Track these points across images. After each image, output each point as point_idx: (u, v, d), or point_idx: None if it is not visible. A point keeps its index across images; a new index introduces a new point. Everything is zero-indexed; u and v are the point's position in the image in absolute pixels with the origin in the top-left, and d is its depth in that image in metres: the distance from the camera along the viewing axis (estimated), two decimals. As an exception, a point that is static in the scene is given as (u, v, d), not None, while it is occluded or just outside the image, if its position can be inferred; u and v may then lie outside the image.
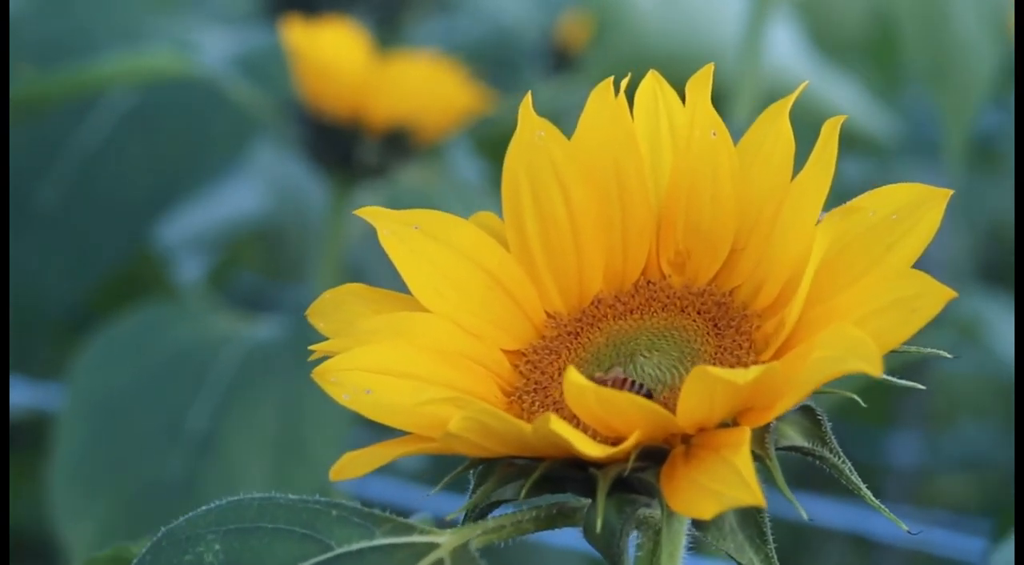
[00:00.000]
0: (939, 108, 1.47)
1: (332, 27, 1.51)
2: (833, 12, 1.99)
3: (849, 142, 1.76)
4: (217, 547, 0.59)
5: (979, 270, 2.18)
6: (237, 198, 1.93)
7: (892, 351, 0.57)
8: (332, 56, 1.46)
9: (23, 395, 1.62)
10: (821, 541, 1.98)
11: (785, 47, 1.64)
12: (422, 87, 1.46)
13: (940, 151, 1.54)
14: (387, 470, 1.65)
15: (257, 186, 1.92)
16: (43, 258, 1.63)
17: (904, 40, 1.49)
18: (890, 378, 0.61)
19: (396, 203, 1.55)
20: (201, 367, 1.38)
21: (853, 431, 2.06)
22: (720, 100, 1.44)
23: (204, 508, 0.60)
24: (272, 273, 2.07)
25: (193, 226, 1.90)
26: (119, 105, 1.68)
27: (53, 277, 1.63)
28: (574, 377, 0.54)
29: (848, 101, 1.69)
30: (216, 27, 1.83)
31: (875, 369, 0.53)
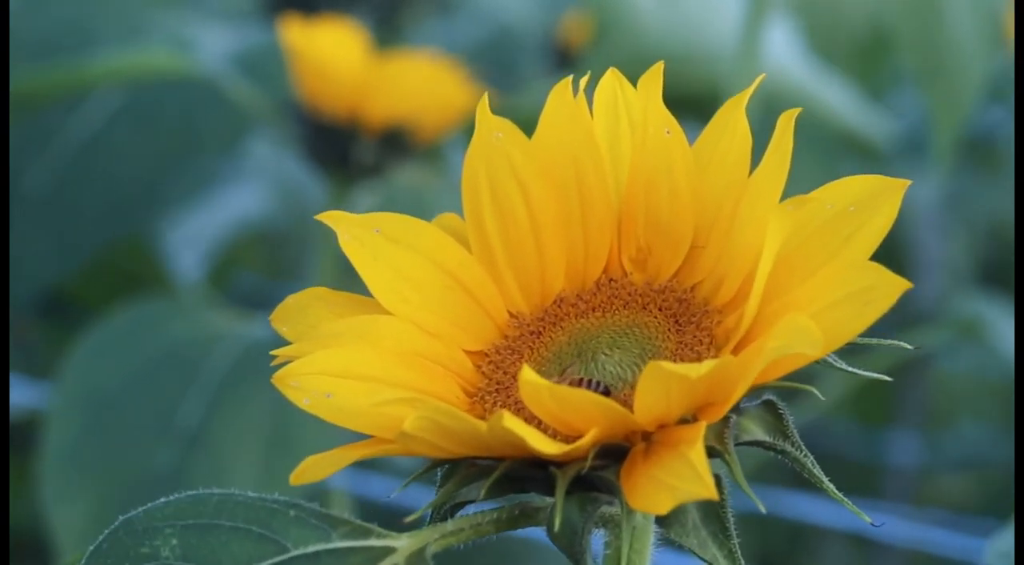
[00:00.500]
0: (930, 107, 1.47)
1: (330, 26, 1.51)
2: (833, 17, 1.99)
3: (846, 144, 1.76)
4: (174, 542, 0.59)
5: (979, 270, 2.18)
6: (237, 199, 1.93)
7: (853, 343, 0.58)
8: (330, 55, 1.46)
9: (21, 395, 1.62)
10: (819, 541, 1.98)
11: (781, 49, 1.64)
12: (420, 87, 1.46)
13: (935, 152, 1.54)
14: (387, 469, 1.65)
15: (257, 186, 1.92)
16: (29, 244, 1.63)
17: (897, 40, 1.49)
18: (857, 371, 0.61)
19: (393, 202, 1.55)
20: (194, 363, 1.39)
21: (853, 431, 2.06)
22: (718, 100, 1.44)
23: (163, 500, 0.60)
24: (272, 272, 2.07)
25: (194, 226, 1.90)
26: (113, 98, 1.68)
27: (37, 262, 1.63)
28: (528, 376, 0.54)
29: (842, 103, 1.68)
30: (215, 24, 1.83)
31: (816, 352, 0.54)
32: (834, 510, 1.55)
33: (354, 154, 1.48)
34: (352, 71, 1.46)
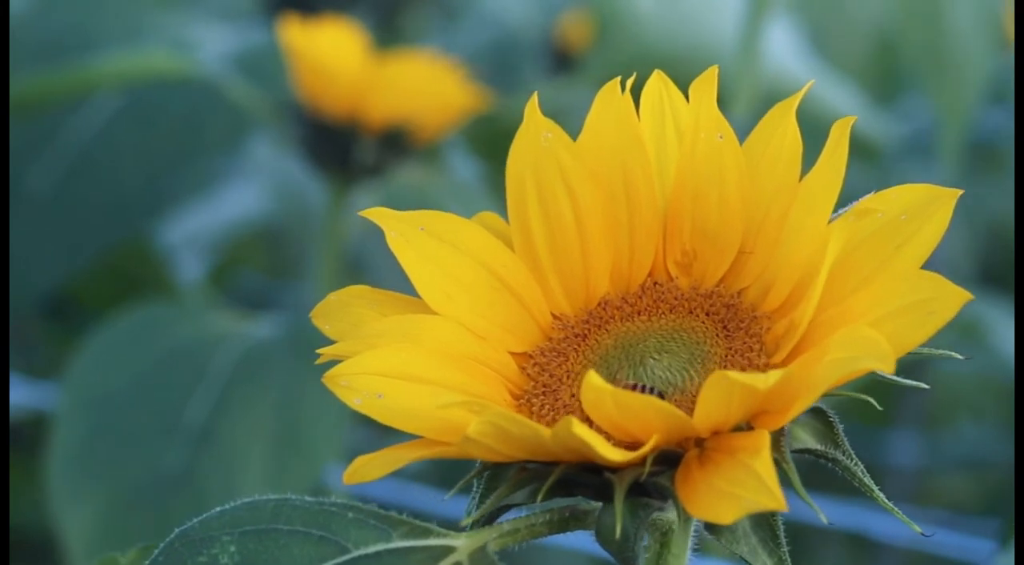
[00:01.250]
0: (936, 108, 1.47)
1: (330, 26, 1.51)
2: (842, 22, 2.00)
3: (850, 143, 1.76)
4: (232, 549, 0.58)
5: (980, 271, 2.18)
6: (238, 199, 1.93)
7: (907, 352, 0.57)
8: (329, 55, 1.46)
9: (22, 395, 1.62)
10: (820, 541, 1.98)
11: (784, 48, 1.64)
12: (420, 86, 1.46)
13: (940, 152, 1.54)
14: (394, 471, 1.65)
15: (257, 187, 1.92)
16: (32, 246, 1.63)
17: (902, 41, 1.49)
18: (898, 378, 0.61)
19: (393, 202, 1.55)
20: (199, 364, 1.38)
21: (853, 431, 2.05)
22: (719, 101, 1.44)
23: (218, 509, 0.59)
24: (273, 272, 2.07)
25: (195, 227, 1.90)
26: (113, 100, 1.68)
27: (36, 264, 1.63)
28: (594, 380, 0.54)
29: (846, 102, 1.68)
30: (215, 25, 1.83)
31: (889, 368, 0.53)
32: (835, 510, 1.55)
33: (354, 154, 1.48)
34: (352, 71, 1.46)
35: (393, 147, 1.49)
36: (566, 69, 2.07)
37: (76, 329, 1.70)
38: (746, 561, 0.58)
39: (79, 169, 1.66)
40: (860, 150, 1.78)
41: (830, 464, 0.60)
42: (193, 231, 1.91)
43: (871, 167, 1.92)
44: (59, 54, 1.68)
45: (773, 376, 0.53)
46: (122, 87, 1.67)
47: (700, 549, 0.61)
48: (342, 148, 1.48)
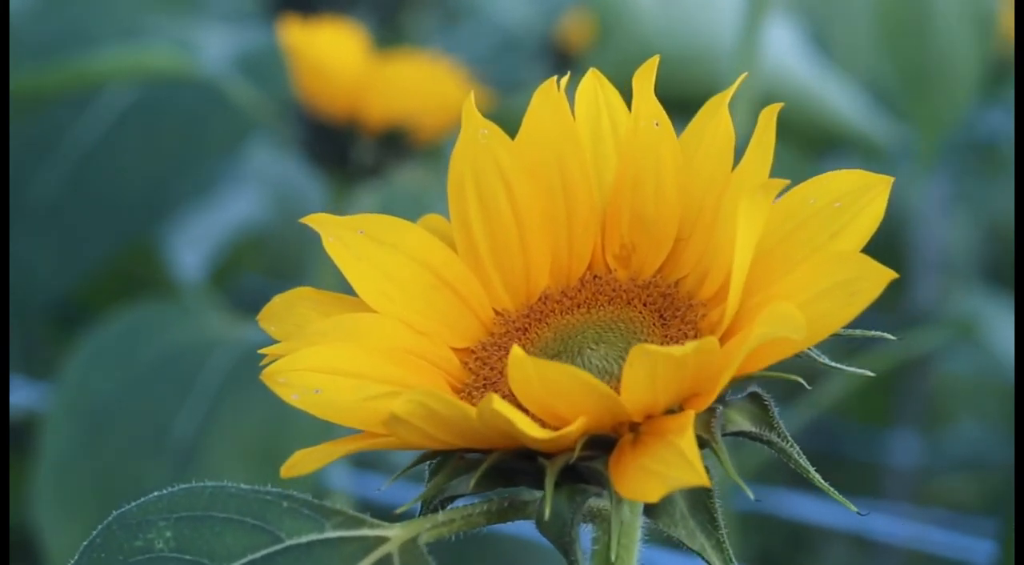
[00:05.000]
0: (914, 114, 1.47)
1: (329, 26, 1.51)
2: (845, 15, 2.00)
3: (849, 143, 1.76)
4: (168, 534, 0.59)
5: (981, 270, 2.18)
6: (238, 202, 1.93)
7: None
8: (328, 55, 1.46)
9: (23, 396, 1.62)
10: (820, 541, 1.98)
11: (783, 47, 1.64)
12: (418, 86, 1.46)
13: (946, 154, 1.54)
14: (385, 468, 1.64)
15: (257, 189, 1.92)
16: (36, 251, 1.63)
17: (887, 47, 1.48)
18: (838, 365, 0.61)
19: (389, 204, 1.55)
20: (190, 373, 1.38)
21: (853, 431, 2.06)
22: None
23: (155, 494, 0.60)
24: (274, 274, 2.07)
25: (197, 229, 1.90)
26: (115, 104, 1.68)
27: (45, 270, 1.63)
28: (517, 352, 0.55)
29: (844, 101, 1.68)
30: (216, 27, 1.83)
31: (799, 336, 0.53)
32: (835, 510, 1.55)
33: (353, 154, 1.48)
34: (351, 71, 1.46)
35: (392, 147, 1.49)
36: (567, 69, 2.07)
37: (75, 328, 1.70)
38: (685, 544, 0.58)
39: (81, 175, 1.66)
40: (862, 150, 1.78)
41: (766, 446, 0.60)
42: (195, 233, 1.91)
43: (875, 167, 1.92)
44: (58, 57, 1.68)
45: (690, 345, 0.54)
46: (124, 85, 1.67)
47: (651, 540, 0.61)
48: (341, 148, 1.48)
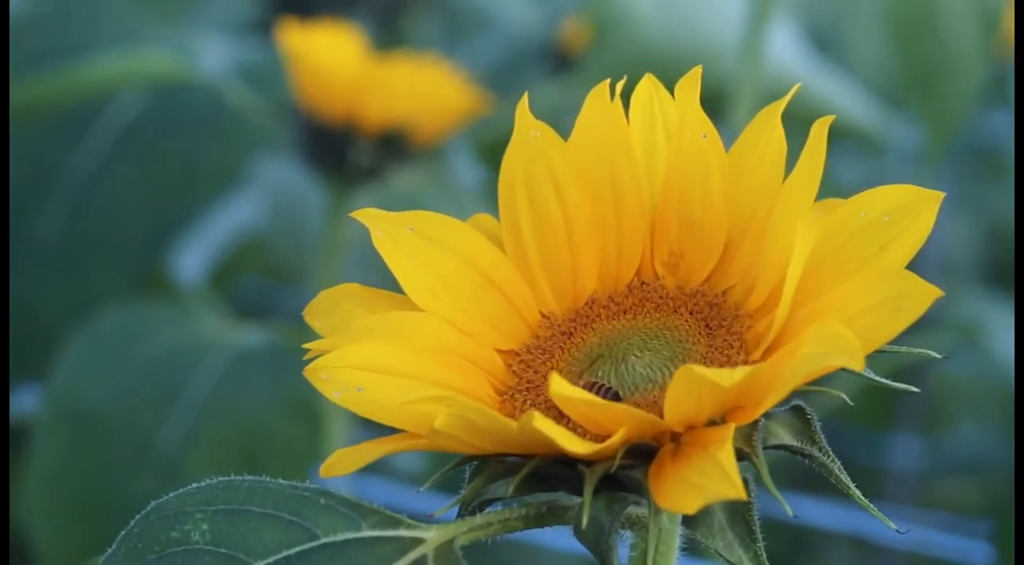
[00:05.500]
0: (923, 116, 1.46)
1: (327, 29, 1.50)
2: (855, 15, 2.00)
3: (848, 137, 1.75)
4: (205, 526, 0.58)
5: (982, 272, 2.18)
6: (238, 206, 1.93)
7: (883, 351, 0.58)
8: (326, 57, 1.45)
9: (23, 397, 1.61)
10: (822, 544, 1.98)
11: (785, 47, 1.64)
12: (417, 88, 1.46)
13: (948, 157, 1.53)
14: (387, 472, 1.64)
15: (256, 192, 1.92)
16: (39, 291, 1.62)
17: (895, 48, 1.48)
18: (884, 380, 0.61)
19: (386, 206, 1.54)
20: (179, 379, 1.38)
21: (854, 433, 2.06)
22: (720, 101, 1.44)
23: (194, 486, 0.60)
24: (275, 277, 2.07)
25: (197, 231, 1.90)
26: (114, 125, 1.68)
27: (50, 311, 1.62)
28: (555, 385, 0.55)
29: (848, 100, 1.68)
30: (215, 36, 1.83)
31: (857, 364, 0.54)
32: (837, 513, 1.55)
33: (352, 157, 1.47)
34: (349, 72, 1.45)
35: (391, 150, 1.48)
36: (567, 71, 2.07)
37: (74, 328, 1.70)
38: (723, 556, 0.58)
39: (84, 206, 1.64)
40: (864, 146, 1.78)
41: (807, 461, 0.60)
42: (195, 235, 1.91)
43: (879, 167, 1.92)
44: (56, 66, 1.67)
45: (739, 372, 0.54)
46: (123, 108, 1.66)
47: (692, 550, 0.61)
48: (339, 151, 1.48)
